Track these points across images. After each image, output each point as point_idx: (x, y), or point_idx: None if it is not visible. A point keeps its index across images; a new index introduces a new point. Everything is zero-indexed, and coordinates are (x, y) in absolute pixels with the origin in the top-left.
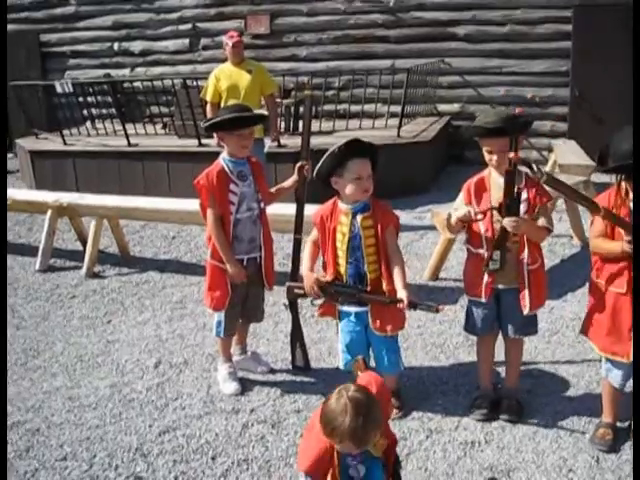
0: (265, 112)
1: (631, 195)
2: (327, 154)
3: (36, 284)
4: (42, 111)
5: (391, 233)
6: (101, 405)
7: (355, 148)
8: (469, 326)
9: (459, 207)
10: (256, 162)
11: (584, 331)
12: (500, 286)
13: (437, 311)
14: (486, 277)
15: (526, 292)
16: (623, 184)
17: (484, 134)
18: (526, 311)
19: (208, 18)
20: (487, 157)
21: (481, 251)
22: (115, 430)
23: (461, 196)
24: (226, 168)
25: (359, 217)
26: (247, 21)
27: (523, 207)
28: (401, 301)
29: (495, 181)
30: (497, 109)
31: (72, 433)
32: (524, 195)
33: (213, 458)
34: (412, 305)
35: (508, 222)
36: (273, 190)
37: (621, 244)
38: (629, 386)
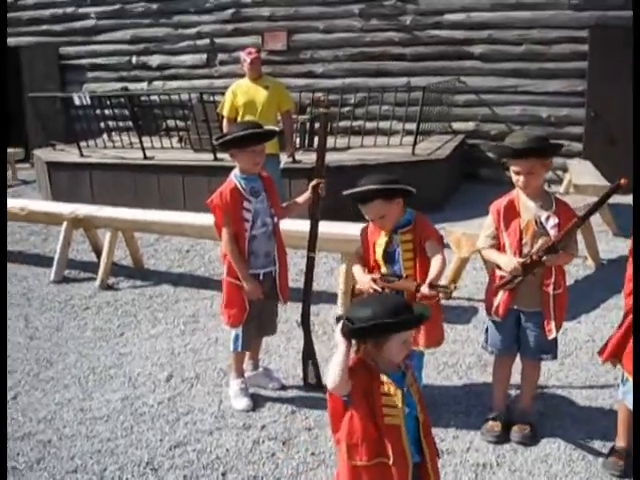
0: (276, 128)
1: None
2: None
3: (50, 295)
4: (60, 123)
5: (432, 245)
6: (112, 418)
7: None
8: (487, 344)
9: (488, 229)
10: (267, 177)
11: (610, 352)
12: (520, 308)
13: (452, 291)
14: (500, 295)
15: (552, 316)
16: None
17: (511, 155)
18: (551, 336)
19: (226, 34)
20: (514, 178)
21: (505, 274)
22: (126, 443)
23: (490, 218)
24: (239, 185)
25: (398, 232)
26: (264, 37)
27: (553, 232)
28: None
29: (524, 204)
30: (525, 130)
31: (83, 445)
32: (555, 220)
33: (223, 474)
34: (430, 286)
35: (550, 260)
36: (285, 205)
37: None
38: None
